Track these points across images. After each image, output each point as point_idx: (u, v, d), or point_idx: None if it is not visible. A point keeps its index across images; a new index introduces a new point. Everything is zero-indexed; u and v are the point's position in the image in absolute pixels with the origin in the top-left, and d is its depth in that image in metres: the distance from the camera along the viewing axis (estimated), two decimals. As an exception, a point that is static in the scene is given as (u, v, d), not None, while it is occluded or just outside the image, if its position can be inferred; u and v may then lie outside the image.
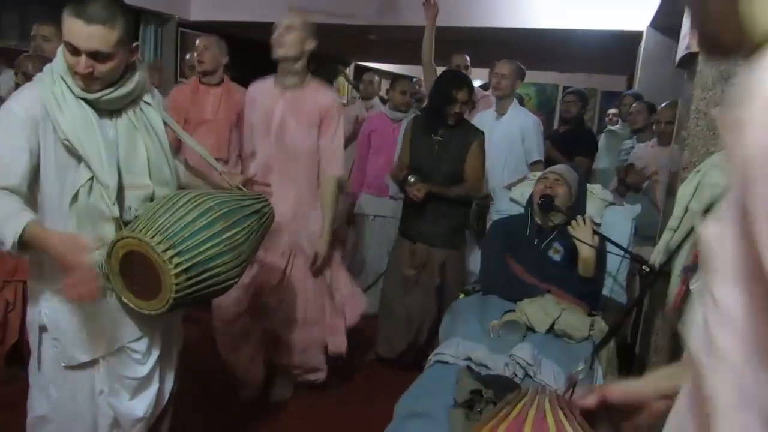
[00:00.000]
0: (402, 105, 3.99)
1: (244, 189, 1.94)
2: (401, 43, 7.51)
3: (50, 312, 1.64)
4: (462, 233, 3.10)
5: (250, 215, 1.72)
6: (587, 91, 4.67)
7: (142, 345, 1.74)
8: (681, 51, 2.38)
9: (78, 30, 1.49)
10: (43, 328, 1.67)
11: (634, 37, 4.81)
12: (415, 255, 3.04)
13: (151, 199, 1.66)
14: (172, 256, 1.48)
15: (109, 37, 1.51)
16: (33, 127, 1.52)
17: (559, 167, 2.69)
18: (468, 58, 4.22)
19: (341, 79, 9.31)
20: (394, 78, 4.64)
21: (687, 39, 2.28)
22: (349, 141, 3.94)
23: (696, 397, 0.58)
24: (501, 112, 3.55)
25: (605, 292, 2.53)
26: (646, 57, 4.63)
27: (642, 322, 2.63)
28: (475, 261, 3.34)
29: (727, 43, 0.61)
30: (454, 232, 3.04)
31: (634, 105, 4.10)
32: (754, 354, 0.50)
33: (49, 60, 1.64)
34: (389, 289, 3.18)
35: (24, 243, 1.46)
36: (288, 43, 2.43)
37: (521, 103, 3.84)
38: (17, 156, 1.50)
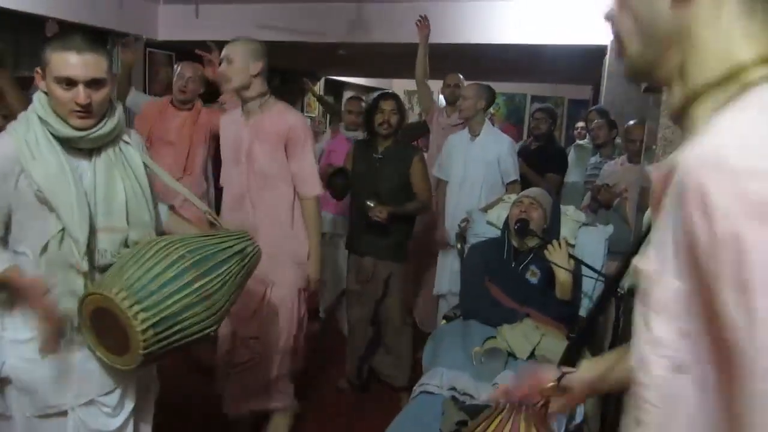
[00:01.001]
0: (351, 124, 4.09)
1: (227, 229, 1.92)
2: (372, 57, 7.58)
3: (15, 362, 1.61)
4: (405, 247, 3.23)
5: (227, 259, 1.67)
6: (555, 100, 4.78)
7: (113, 398, 1.70)
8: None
9: (73, 61, 1.51)
10: (5, 380, 1.64)
11: (599, 51, 4.94)
12: (363, 269, 3.15)
13: (127, 242, 1.64)
14: (138, 312, 1.46)
15: (101, 63, 1.55)
16: (3, 179, 1.53)
17: (533, 191, 2.75)
18: (461, 77, 4.25)
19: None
20: (350, 97, 4.69)
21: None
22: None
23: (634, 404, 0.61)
24: (473, 133, 3.61)
25: (581, 312, 2.59)
26: (610, 71, 4.75)
27: (619, 342, 2.70)
28: (452, 281, 3.40)
29: (657, 79, 0.63)
30: (399, 246, 3.17)
31: (595, 121, 4.21)
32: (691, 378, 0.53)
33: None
34: (349, 310, 3.36)
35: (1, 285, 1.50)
36: (231, 74, 2.45)
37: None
38: None
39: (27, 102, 1.72)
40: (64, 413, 1.67)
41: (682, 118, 0.61)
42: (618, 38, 0.64)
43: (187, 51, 6.59)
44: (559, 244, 2.42)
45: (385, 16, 5.64)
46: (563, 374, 1.07)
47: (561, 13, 4.71)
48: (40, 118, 1.56)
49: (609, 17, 0.66)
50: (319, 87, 9.83)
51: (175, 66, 3.80)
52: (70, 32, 1.58)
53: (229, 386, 2.67)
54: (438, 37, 5.16)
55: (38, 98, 1.58)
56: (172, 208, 1.98)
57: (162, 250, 1.56)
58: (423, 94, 4.12)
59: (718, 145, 0.50)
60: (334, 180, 3.08)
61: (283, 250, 2.55)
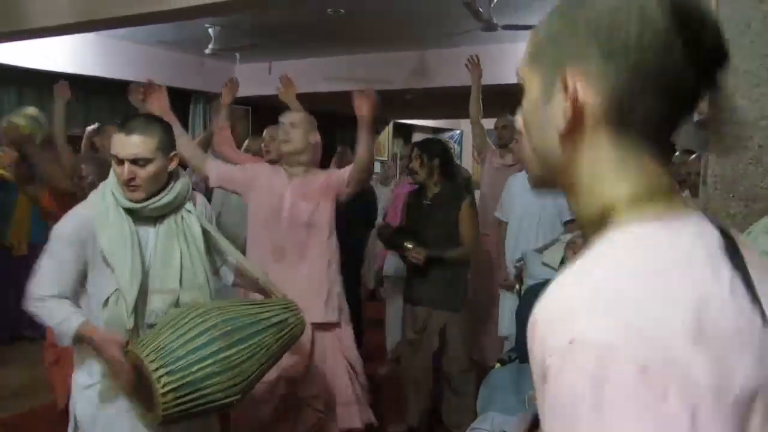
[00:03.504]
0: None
1: (281, 295, 2.02)
2: (437, 99, 7.74)
3: (82, 406, 1.79)
4: (462, 296, 3.16)
5: (261, 330, 1.75)
6: None
7: None
8: (696, 114, 2.43)
9: (120, 141, 1.75)
10: (77, 424, 1.81)
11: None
12: (417, 318, 3.13)
13: (177, 303, 1.80)
14: (162, 375, 1.57)
15: (147, 143, 1.75)
16: (81, 244, 1.75)
17: (587, 231, 2.73)
18: (510, 118, 4.31)
19: (381, 137, 9.60)
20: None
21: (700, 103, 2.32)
22: None
23: None
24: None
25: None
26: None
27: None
28: (513, 323, 3.38)
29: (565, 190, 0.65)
30: (455, 295, 3.10)
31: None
32: None
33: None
34: (403, 355, 3.35)
35: (78, 338, 1.71)
36: (294, 139, 2.62)
37: None
38: (65, 269, 1.75)
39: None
40: None
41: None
42: (523, 158, 0.69)
43: (262, 105, 7.01)
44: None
45: (444, 61, 5.80)
46: None
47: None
48: (111, 190, 1.80)
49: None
50: (388, 131, 10.09)
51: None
52: (134, 115, 1.84)
53: None
54: (495, 78, 5.26)
55: (112, 173, 1.82)
56: (236, 267, 2.12)
57: (199, 317, 1.68)
58: (476, 134, 4.17)
59: (563, 299, 0.53)
60: (396, 239, 3.13)
61: (322, 297, 2.59)
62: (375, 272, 4.66)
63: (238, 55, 6.72)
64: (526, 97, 0.64)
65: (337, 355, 2.65)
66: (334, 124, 7.05)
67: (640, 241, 0.55)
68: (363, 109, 2.64)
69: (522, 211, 3.56)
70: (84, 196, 2.10)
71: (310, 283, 2.58)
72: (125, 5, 3.63)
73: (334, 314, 2.64)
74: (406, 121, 10.50)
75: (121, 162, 1.75)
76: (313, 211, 2.61)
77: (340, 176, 2.69)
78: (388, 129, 10.09)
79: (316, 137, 2.67)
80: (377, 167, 5.77)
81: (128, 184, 1.75)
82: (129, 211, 1.79)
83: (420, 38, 5.89)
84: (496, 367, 2.67)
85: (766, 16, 2.12)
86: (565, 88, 0.58)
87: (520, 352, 2.61)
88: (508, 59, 5.24)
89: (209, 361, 1.62)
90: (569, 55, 0.59)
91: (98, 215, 1.76)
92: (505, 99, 5.39)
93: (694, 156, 3.52)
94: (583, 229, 0.62)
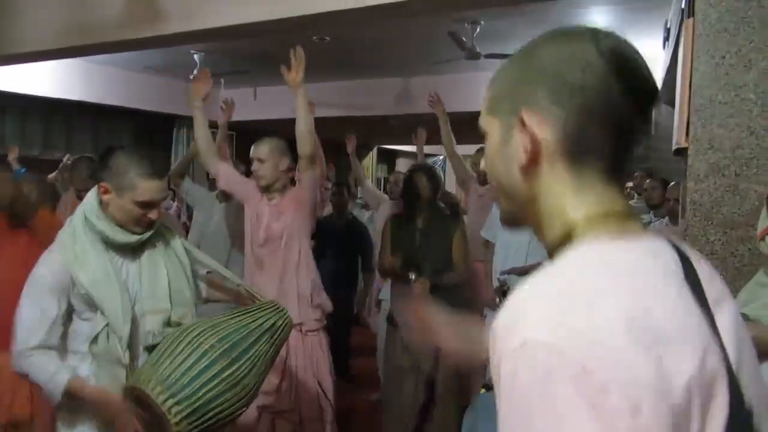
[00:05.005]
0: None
1: (260, 298, 2.03)
2: (421, 125, 7.83)
3: None
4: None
5: (256, 340, 1.76)
6: None
7: None
8: (674, 143, 2.49)
9: (155, 188, 1.70)
10: None
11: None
12: (408, 343, 3.10)
13: (170, 321, 1.78)
14: (172, 406, 1.56)
15: (165, 185, 1.77)
16: (62, 289, 1.68)
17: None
18: None
19: (365, 161, 9.64)
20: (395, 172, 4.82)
21: (676, 134, 2.39)
22: None
23: None
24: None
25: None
26: (656, 130, 4.74)
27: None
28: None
29: (524, 218, 0.71)
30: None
31: (647, 182, 4.19)
32: None
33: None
34: (387, 382, 3.28)
35: (68, 395, 1.66)
36: (265, 175, 2.69)
37: None
38: (47, 316, 1.67)
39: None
40: None
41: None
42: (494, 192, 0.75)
43: (247, 130, 7.04)
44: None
45: (428, 87, 5.85)
46: None
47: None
48: (89, 227, 1.72)
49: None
50: (372, 155, 10.16)
51: None
52: (144, 156, 1.73)
53: None
54: (478, 105, 5.34)
55: (90, 209, 1.73)
56: (207, 278, 2.11)
57: (194, 340, 1.67)
58: (456, 166, 4.16)
59: (517, 307, 0.58)
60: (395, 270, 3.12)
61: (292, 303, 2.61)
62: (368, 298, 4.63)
63: (222, 80, 6.76)
64: (489, 143, 0.71)
65: (308, 370, 2.67)
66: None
67: (593, 256, 0.61)
68: (292, 74, 2.70)
69: (509, 235, 3.58)
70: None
71: (289, 293, 2.64)
72: (112, 32, 3.66)
73: (311, 321, 2.70)
74: (390, 146, 10.59)
75: (150, 206, 1.71)
76: (288, 227, 2.70)
77: (302, 181, 2.79)
78: (372, 154, 10.15)
79: (285, 163, 2.73)
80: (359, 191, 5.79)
81: (148, 224, 1.74)
82: (109, 245, 1.74)
83: (404, 66, 5.98)
84: (482, 391, 2.67)
85: (739, 50, 2.20)
86: (523, 125, 0.65)
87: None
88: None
89: (215, 382, 1.64)
90: (523, 101, 0.66)
91: (75, 258, 1.69)
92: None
93: (673, 183, 3.60)
94: (550, 256, 0.67)
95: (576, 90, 0.63)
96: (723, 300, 0.66)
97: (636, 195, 4.76)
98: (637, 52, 0.65)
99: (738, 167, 2.19)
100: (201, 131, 2.89)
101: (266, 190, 2.74)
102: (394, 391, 3.22)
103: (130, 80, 6.44)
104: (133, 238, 1.75)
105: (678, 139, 2.33)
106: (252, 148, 2.77)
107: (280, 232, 2.69)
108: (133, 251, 1.80)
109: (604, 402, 0.51)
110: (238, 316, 1.86)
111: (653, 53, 4.12)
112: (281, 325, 1.90)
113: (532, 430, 0.53)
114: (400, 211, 3.36)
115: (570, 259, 0.61)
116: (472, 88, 5.34)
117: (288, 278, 2.70)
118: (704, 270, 0.66)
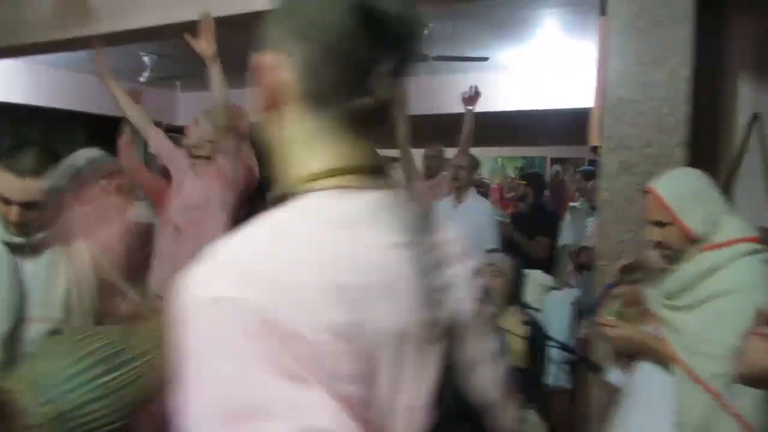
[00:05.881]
0: None
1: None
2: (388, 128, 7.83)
3: None
4: None
5: (151, 350, 1.64)
6: (576, 161, 4.85)
7: None
8: (588, 142, 2.49)
9: (10, 183, 1.61)
10: None
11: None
12: None
13: (58, 332, 1.72)
14: (37, 407, 1.49)
15: (39, 187, 1.63)
16: None
17: (494, 257, 2.75)
18: (441, 149, 4.26)
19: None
20: None
21: (590, 133, 2.39)
22: None
23: None
24: (459, 200, 3.64)
25: (550, 380, 2.53)
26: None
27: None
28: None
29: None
30: None
31: (590, 183, 4.20)
32: None
33: None
34: None
35: None
36: (192, 133, 2.90)
37: None
38: None
39: None
40: None
41: None
42: None
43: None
44: (515, 311, 2.40)
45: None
46: None
47: (565, 79, 5.00)
48: None
49: None
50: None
51: None
52: (23, 151, 1.65)
53: None
54: (430, 108, 5.36)
55: None
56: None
57: (79, 342, 1.60)
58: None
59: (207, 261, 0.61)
60: None
61: None
62: None
63: (178, 83, 6.69)
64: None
65: None
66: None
67: (300, 208, 0.60)
68: (202, 44, 2.76)
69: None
70: None
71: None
72: (43, 32, 3.58)
73: None
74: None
75: (7, 202, 1.63)
76: (206, 196, 2.78)
77: (222, 151, 2.83)
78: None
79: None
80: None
81: (16, 225, 1.66)
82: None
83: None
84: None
85: (650, 48, 2.21)
86: (265, 64, 0.64)
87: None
88: (443, 90, 5.34)
89: (87, 388, 1.54)
90: (272, 43, 0.65)
91: None
92: (438, 129, 5.50)
93: (592, 182, 3.62)
94: (276, 199, 0.66)
95: (320, 29, 0.62)
96: (460, 260, 0.69)
97: (582, 197, 4.79)
98: (389, 6, 0.62)
99: (647, 165, 2.19)
100: (123, 99, 3.11)
101: (191, 156, 2.87)
102: None
103: (79, 83, 6.33)
104: (16, 240, 1.68)
105: (591, 138, 2.33)
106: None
107: (199, 201, 2.79)
108: (32, 253, 1.73)
109: (280, 356, 0.52)
110: (138, 326, 1.80)
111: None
112: None
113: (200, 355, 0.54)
114: None
115: (276, 212, 0.61)
116: (423, 91, 5.34)
117: (205, 249, 2.64)
118: (444, 231, 0.69)
